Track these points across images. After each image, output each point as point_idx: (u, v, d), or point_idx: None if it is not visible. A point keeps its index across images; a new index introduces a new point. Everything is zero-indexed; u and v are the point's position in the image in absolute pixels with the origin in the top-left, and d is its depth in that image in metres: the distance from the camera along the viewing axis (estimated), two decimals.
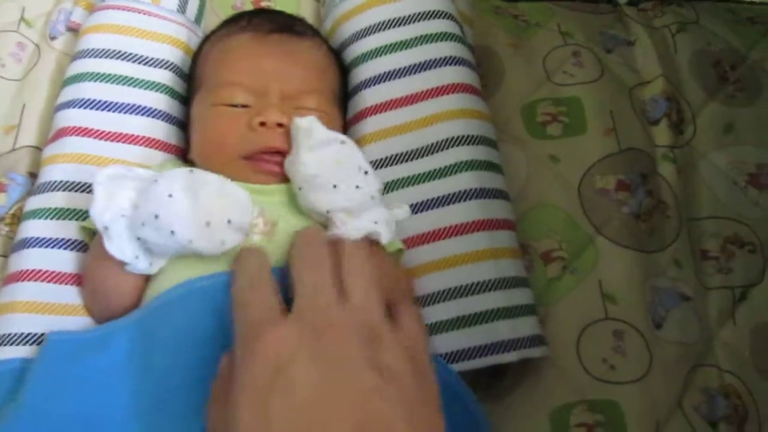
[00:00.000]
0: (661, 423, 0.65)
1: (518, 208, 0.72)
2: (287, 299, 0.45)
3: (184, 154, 0.72)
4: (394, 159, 0.69)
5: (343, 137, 0.61)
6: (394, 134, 0.70)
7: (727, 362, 0.70)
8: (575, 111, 0.80)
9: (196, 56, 0.74)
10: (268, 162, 0.64)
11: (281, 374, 0.37)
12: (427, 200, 0.66)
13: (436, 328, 0.62)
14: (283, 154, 0.63)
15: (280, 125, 0.63)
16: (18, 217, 0.69)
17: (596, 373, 0.66)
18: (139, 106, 0.71)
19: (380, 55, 0.73)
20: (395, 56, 0.72)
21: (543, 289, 0.70)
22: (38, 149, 0.76)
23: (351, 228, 0.58)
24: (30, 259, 0.63)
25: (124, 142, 0.69)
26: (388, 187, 0.68)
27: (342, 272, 0.44)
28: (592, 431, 0.64)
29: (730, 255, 0.76)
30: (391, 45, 0.73)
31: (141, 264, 0.57)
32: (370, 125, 0.71)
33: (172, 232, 0.53)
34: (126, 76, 0.72)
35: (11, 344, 0.60)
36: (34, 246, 0.64)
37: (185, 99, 0.75)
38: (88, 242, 0.64)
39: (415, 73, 0.71)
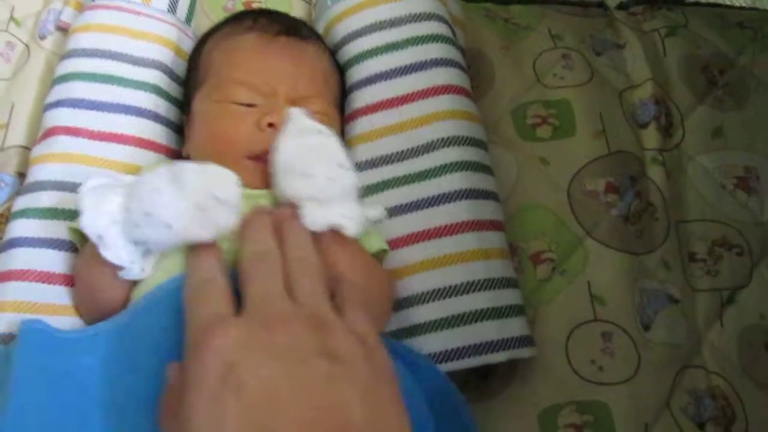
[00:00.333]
0: (649, 424, 0.65)
1: (508, 210, 0.72)
2: None
3: (174, 155, 0.72)
4: (385, 159, 0.69)
5: (325, 129, 0.61)
6: (385, 135, 0.70)
7: (714, 364, 0.70)
8: (565, 113, 0.80)
9: (198, 52, 0.74)
10: (265, 161, 0.63)
11: (232, 373, 0.36)
12: (417, 201, 0.66)
13: (424, 328, 0.62)
14: None
15: None
16: (6, 217, 0.69)
17: (585, 374, 0.67)
18: (129, 106, 0.71)
19: (371, 57, 0.73)
20: (386, 58, 0.72)
21: (532, 290, 0.70)
22: (27, 149, 0.75)
23: (317, 216, 0.58)
24: (18, 258, 0.63)
25: (113, 142, 0.69)
26: (378, 188, 0.68)
27: (288, 265, 0.44)
28: None
29: (718, 257, 0.76)
30: (381, 47, 0.73)
31: (135, 270, 0.57)
32: (361, 126, 0.71)
33: (168, 225, 0.53)
34: (115, 76, 0.71)
35: None
36: (22, 246, 0.63)
37: (175, 99, 0.75)
38: (77, 243, 0.64)
39: (405, 74, 0.71)
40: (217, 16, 0.85)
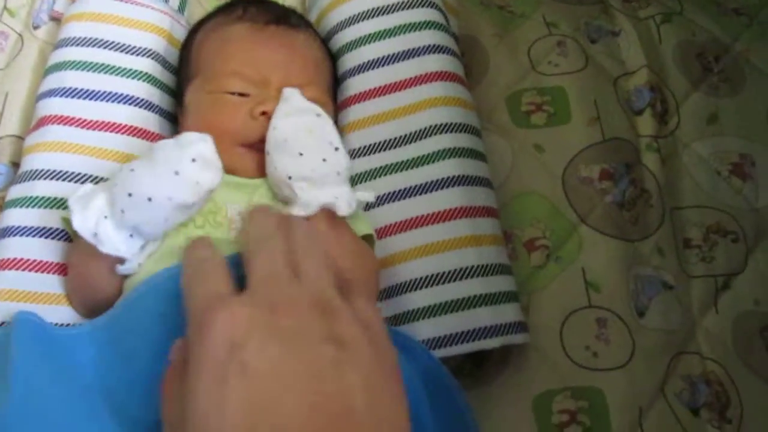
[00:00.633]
0: (644, 409, 0.65)
1: (502, 197, 0.73)
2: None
3: None
4: (378, 146, 0.69)
5: (320, 111, 0.63)
6: (378, 122, 0.70)
7: (709, 350, 0.70)
8: (560, 100, 0.80)
9: (189, 44, 0.74)
10: (261, 150, 0.64)
11: (235, 354, 0.35)
12: (410, 187, 0.67)
13: (418, 314, 0.62)
14: None
15: None
16: (0, 207, 0.69)
17: (579, 360, 0.67)
18: (122, 95, 0.71)
19: (364, 44, 0.73)
20: (379, 45, 0.72)
21: (526, 277, 0.70)
22: (21, 139, 0.75)
23: (309, 196, 0.58)
24: (11, 247, 0.63)
25: (106, 131, 0.69)
26: (371, 175, 0.68)
27: (294, 250, 0.44)
28: (575, 418, 0.64)
29: (713, 244, 0.76)
30: (375, 34, 0.73)
31: (133, 263, 0.57)
32: (354, 113, 0.71)
33: (149, 198, 0.53)
34: (108, 65, 0.71)
35: None
36: (16, 235, 0.64)
37: (168, 87, 0.75)
38: (71, 233, 0.64)
39: (398, 61, 0.71)
40: (211, 4, 0.85)
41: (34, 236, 0.63)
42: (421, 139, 0.68)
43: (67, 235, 0.64)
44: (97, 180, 0.66)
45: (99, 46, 0.72)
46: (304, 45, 0.72)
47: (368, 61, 0.72)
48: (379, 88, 0.71)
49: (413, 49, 0.71)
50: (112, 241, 0.56)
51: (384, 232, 0.66)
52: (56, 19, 0.82)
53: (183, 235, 0.59)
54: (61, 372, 0.54)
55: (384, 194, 0.67)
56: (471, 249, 0.64)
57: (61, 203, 0.65)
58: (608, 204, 0.74)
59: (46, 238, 0.64)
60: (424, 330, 0.62)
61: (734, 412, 0.67)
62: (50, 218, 0.64)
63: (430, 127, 0.68)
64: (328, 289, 0.41)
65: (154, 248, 0.59)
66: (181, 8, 0.81)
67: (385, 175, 0.68)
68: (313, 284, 0.41)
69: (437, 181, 0.66)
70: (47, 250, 0.63)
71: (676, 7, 0.92)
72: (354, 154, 0.69)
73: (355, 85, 0.72)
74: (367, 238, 0.66)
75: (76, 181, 0.66)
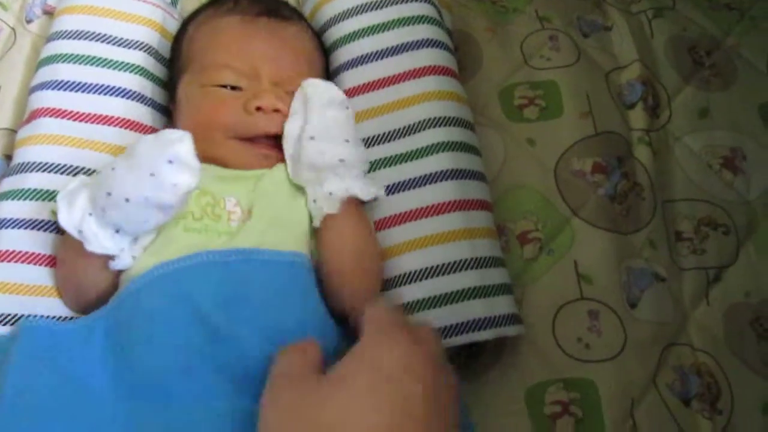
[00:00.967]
0: (636, 400, 0.65)
1: (495, 190, 0.73)
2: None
3: None
4: (372, 140, 0.69)
5: (348, 105, 0.66)
6: (372, 116, 0.70)
7: (700, 341, 0.71)
8: (552, 94, 0.81)
9: (181, 38, 0.74)
10: (265, 146, 0.66)
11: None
12: (404, 181, 0.67)
13: (412, 307, 0.63)
14: (278, 138, 0.65)
15: (276, 110, 0.65)
16: None
17: (571, 351, 0.67)
18: (114, 88, 0.71)
19: (358, 38, 0.73)
20: (373, 39, 0.72)
21: (519, 269, 0.71)
22: (14, 132, 0.75)
23: (339, 188, 0.61)
24: (3, 240, 0.63)
25: (98, 124, 0.69)
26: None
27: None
28: (568, 409, 0.64)
29: (704, 236, 0.77)
30: (368, 28, 0.73)
31: (125, 258, 0.57)
32: None
33: (126, 199, 0.53)
34: (101, 58, 0.71)
35: None
36: (8, 227, 0.63)
37: (161, 80, 0.75)
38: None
39: (392, 55, 0.71)
40: None
41: (26, 229, 0.63)
42: (414, 133, 0.68)
43: (59, 228, 0.64)
44: (90, 172, 0.66)
45: (91, 39, 0.72)
46: (296, 37, 0.72)
47: (362, 56, 0.72)
48: (373, 82, 0.71)
49: (407, 43, 0.71)
50: (98, 238, 0.56)
51: (378, 225, 0.66)
52: (49, 13, 0.82)
53: (181, 226, 0.59)
54: (64, 369, 0.54)
55: None
56: (465, 242, 0.64)
57: (53, 196, 0.65)
58: (600, 197, 0.75)
59: (38, 230, 0.63)
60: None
61: (725, 403, 0.68)
62: (42, 211, 0.64)
63: (424, 120, 0.68)
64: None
65: (150, 240, 0.59)
66: (174, 1, 0.81)
67: (379, 168, 0.68)
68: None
69: (431, 174, 0.66)
70: (39, 243, 0.63)
71: (667, 2, 0.92)
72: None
73: (348, 79, 0.72)
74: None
75: (68, 174, 0.66)
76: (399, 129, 0.69)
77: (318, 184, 0.62)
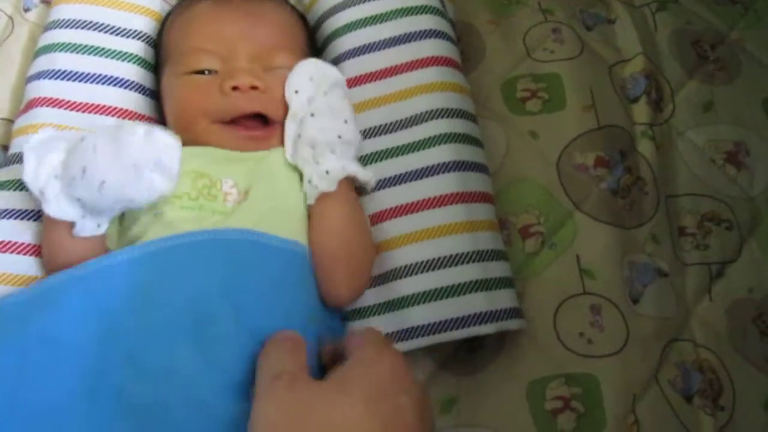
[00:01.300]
0: (638, 396, 0.65)
1: (497, 184, 0.72)
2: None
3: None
4: (373, 131, 0.69)
5: (344, 84, 0.67)
6: (373, 106, 0.69)
7: (702, 337, 0.70)
8: (555, 87, 0.80)
9: (161, 31, 0.73)
10: (248, 127, 0.64)
11: None
12: (405, 173, 0.66)
13: (412, 300, 0.62)
14: (262, 116, 0.64)
15: (254, 88, 0.64)
16: None
17: (573, 347, 0.66)
18: (112, 77, 0.70)
19: (360, 27, 0.72)
20: (375, 28, 0.72)
21: (521, 263, 0.70)
22: (11, 121, 0.74)
23: (337, 168, 0.61)
24: (2, 231, 0.62)
25: (96, 113, 0.69)
26: (367, 159, 0.68)
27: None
28: (569, 404, 0.64)
29: (707, 232, 0.76)
30: (371, 17, 0.72)
31: (88, 225, 0.57)
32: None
33: (102, 182, 0.53)
34: (98, 47, 0.71)
35: None
36: (6, 218, 0.63)
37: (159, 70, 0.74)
38: None
39: (394, 45, 0.71)
40: None
41: (23, 219, 0.63)
42: (417, 124, 0.67)
43: None
44: None
45: (89, 29, 0.71)
46: (271, 11, 0.70)
47: (364, 45, 0.71)
48: (375, 72, 0.70)
49: (410, 34, 0.71)
50: (59, 201, 0.55)
51: (379, 217, 0.66)
52: (47, 2, 0.81)
53: (177, 205, 0.59)
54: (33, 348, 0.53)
55: (379, 179, 0.67)
56: (466, 234, 0.63)
57: None
58: (603, 191, 0.74)
59: (33, 220, 0.63)
60: (418, 316, 0.61)
61: (727, 400, 0.67)
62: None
63: (427, 112, 0.67)
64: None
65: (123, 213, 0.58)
66: None
67: (380, 160, 0.67)
68: None
69: (433, 166, 0.66)
70: (35, 233, 0.62)
71: None
72: None
73: (350, 69, 0.71)
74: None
75: None
76: (401, 120, 0.68)
77: (315, 163, 0.62)
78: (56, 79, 0.69)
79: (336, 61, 0.73)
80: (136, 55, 0.72)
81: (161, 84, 0.70)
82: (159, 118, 0.72)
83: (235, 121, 0.64)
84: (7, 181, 0.64)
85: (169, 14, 0.74)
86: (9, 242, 0.62)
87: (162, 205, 0.58)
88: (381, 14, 0.72)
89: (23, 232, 0.62)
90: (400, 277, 0.63)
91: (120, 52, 0.71)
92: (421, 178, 0.66)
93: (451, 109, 0.68)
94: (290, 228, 0.60)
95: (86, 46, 0.70)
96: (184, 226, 0.57)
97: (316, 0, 0.77)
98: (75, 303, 0.53)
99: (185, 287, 0.53)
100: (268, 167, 0.63)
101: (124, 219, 0.61)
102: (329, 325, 0.62)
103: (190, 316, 0.52)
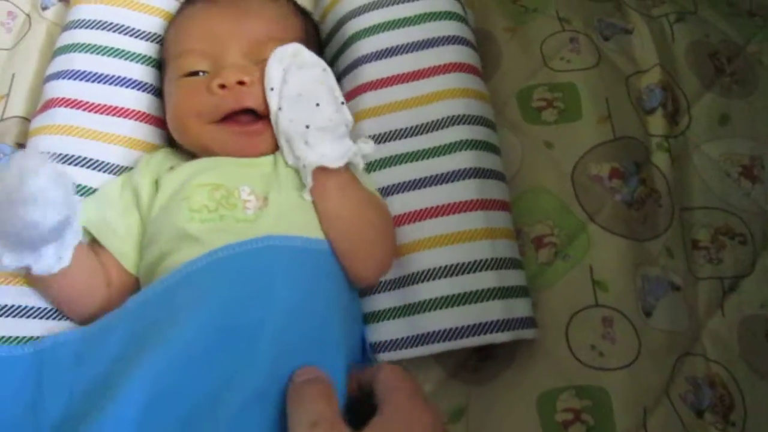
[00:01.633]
0: (648, 410, 0.65)
1: (512, 193, 0.72)
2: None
3: None
4: (392, 135, 0.68)
5: (324, 65, 0.63)
6: (393, 110, 0.69)
7: (714, 352, 0.70)
8: (571, 97, 0.80)
9: (162, 39, 0.73)
10: (241, 123, 0.64)
11: None
12: (425, 177, 0.66)
13: (429, 305, 0.62)
14: (254, 112, 0.63)
15: (241, 83, 0.63)
16: None
17: (585, 359, 0.66)
18: (130, 79, 0.70)
19: (383, 31, 0.72)
20: (398, 32, 0.72)
21: (534, 274, 0.70)
22: (27, 120, 0.75)
23: (325, 148, 0.59)
24: None
25: (113, 115, 0.69)
26: (386, 163, 0.68)
27: None
28: (579, 417, 0.64)
29: (721, 246, 0.76)
30: (394, 21, 0.72)
31: (44, 262, 0.54)
32: (368, 100, 0.70)
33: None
34: (117, 48, 0.71)
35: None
36: None
37: None
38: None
39: (417, 50, 0.71)
40: None
41: None
42: (437, 129, 0.67)
43: None
44: (103, 165, 0.66)
45: (108, 30, 0.72)
46: (259, 4, 0.69)
47: (386, 49, 0.71)
48: (397, 76, 0.70)
49: (433, 39, 0.71)
50: None
51: (397, 221, 0.66)
52: (65, 1, 0.81)
53: (197, 220, 0.59)
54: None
55: (398, 183, 0.67)
56: (485, 242, 0.63)
57: None
58: (617, 203, 0.74)
59: None
60: (434, 321, 0.62)
61: (738, 415, 0.67)
62: None
63: (447, 117, 0.67)
64: None
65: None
66: None
67: (400, 164, 0.67)
68: None
69: (453, 172, 0.66)
70: None
71: (689, 7, 0.91)
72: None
73: (369, 72, 0.71)
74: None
75: (81, 165, 0.66)
76: (422, 125, 0.68)
77: (296, 158, 0.61)
78: (74, 79, 0.69)
79: (357, 64, 0.72)
80: (155, 58, 0.72)
81: (163, 89, 0.70)
82: None
83: (228, 119, 0.64)
84: None
85: (170, 21, 0.74)
86: None
87: (181, 222, 0.58)
88: (404, 18, 0.72)
89: None
90: (418, 282, 0.63)
91: (138, 54, 0.71)
92: (441, 183, 0.66)
93: (472, 116, 0.68)
94: (315, 226, 0.61)
95: (105, 47, 0.71)
96: (209, 238, 0.57)
97: (338, 1, 0.76)
98: (117, 341, 0.54)
99: (216, 304, 0.53)
100: (281, 169, 0.63)
101: (143, 238, 0.62)
102: (355, 316, 0.64)
103: (222, 333, 0.52)
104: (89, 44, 0.71)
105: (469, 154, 0.66)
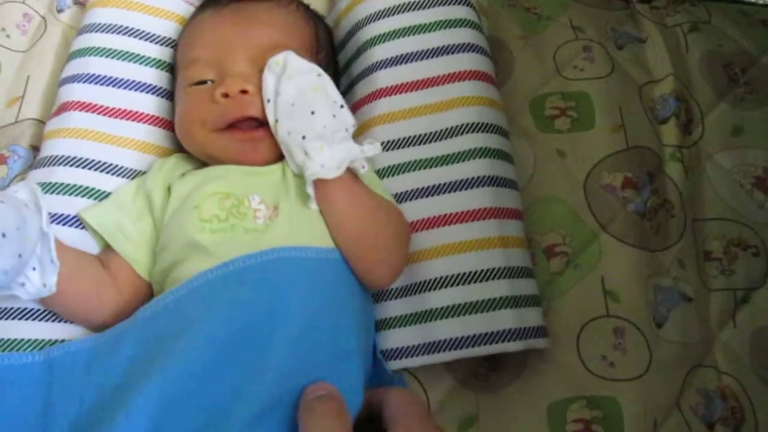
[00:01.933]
0: (659, 422, 0.64)
1: (524, 202, 0.71)
2: None
3: None
4: (406, 142, 0.68)
5: (319, 70, 0.62)
6: (407, 117, 0.69)
7: (725, 364, 0.70)
8: (584, 106, 0.80)
9: (175, 47, 0.74)
10: (244, 130, 0.64)
11: None
12: (438, 185, 0.66)
13: (441, 313, 0.62)
14: (257, 120, 0.63)
15: (244, 92, 0.63)
16: None
17: (595, 369, 0.66)
18: (145, 84, 0.70)
19: (397, 37, 0.72)
20: (413, 39, 0.72)
21: (545, 283, 0.70)
22: (41, 122, 0.75)
23: (324, 157, 0.58)
24: None
25: (128, 119, 0.69)
26: (399, 170, 0.68)
27: None
28: (590, 427, 0.63)
29: (733, 257, 0.75)
30: (409, 28, 0.72)
31: (30, 289, 0.54)
32: (382, 106, 0.70)
33: None
34: (132, 53, 0.71)
35: (4, 318, 0.60)
36: None
37: None
38: (87, 227, 0.64)
39: (432, 57, 0.71)
40: None
41: (51, 222, 0.62)
42: (451, 136, 0.67)
43: (83, 224, 0.64)
44: (117, 168, 0.66)
45: (123, 34, 0.72)
46: (266, 12, 0.69)
47: (400, 55, 0.71)
48: (411, 83, 0.70)
49: (447, 46, 0.71)
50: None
51: (410, 227, 0.65)
52: (80, 3, 0.82)
53: (207, 230, 0.59)
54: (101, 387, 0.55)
55: (411, 190, 0.67)
56: (498, 250, 0.63)
57: (79, 190, 0.65)
58: (630, 213, 0.74)
59: (63, 225, 0.63)
60: (445, 329, 0.61)
61: (749, 429, 0.67)
62: (69, 205, 0.64)
63: (462, 125, 0.67)
64: None
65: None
66: None
67: (413, 170, 0.67)
68: None
69: (467, 180, 0.65)
70: (65, 237, 0.62)
71: (704, 16, 0.91)
72: (382, 147, 0.67)
73: (384, 78, 0.71)
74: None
75: (95, 169, 0.66)
76: (435, 132, 0.68)
77: (298, 167, 0.61)
78: (89, 83, 0.69)
79: (371, 70, 0.72)
80: (169, 62, 0.72)
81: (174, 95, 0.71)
82: None
83: (231, 126, 0.64)
84: (40, 183, 0.64)
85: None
86: None
87: (191, 232, 0.59)
88: (419, 25, 0.72)
89: (59, 233, 0.62)
90: (430, 290, 0.63)
91: (153, 59, 0.72)
92: (455, 191, 0.65)
93: (487, 124, 0.68)
94: (326, 234, 0.60)
95: (120, 51, 0.71)
96: (220, 249, 0.57)
97: (353, 7, 0.76)
98: (127, 352, 0.54)
99: (226, 317, 0.53)
100: (290, 177, 0.62)
101: (157, 243, 0.62)
102: (369, 323, 0.63)
103: (231, 346, 0.52)
104: (104, 48, 0.71)
105: (483, 162, 0.66)
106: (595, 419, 0.64)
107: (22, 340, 0.59)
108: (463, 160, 0.66)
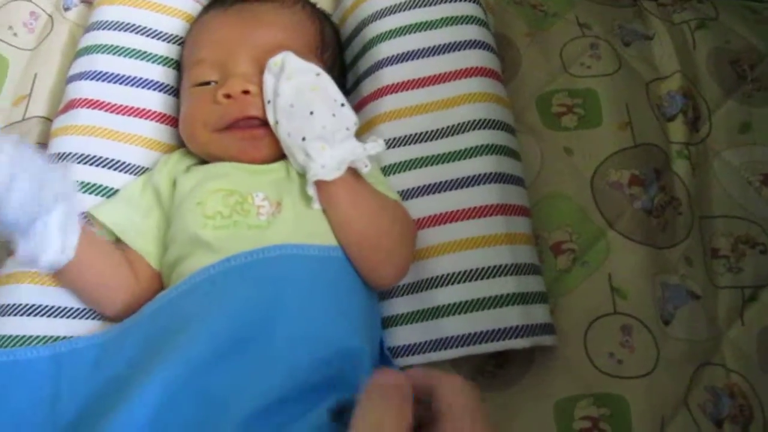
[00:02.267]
0: (666, 419, 0.64)
1: (531, 199, 0.71)
2: None
3: None
4: (412, 138, 0.68)
5: (318, 70, 0.62)
6: (414, 113, 0.69)
7: (733, 362, 0.69)
8: (591, 103, 0.79)
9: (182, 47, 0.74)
10: (245, 129, 0.64)
11: None
12: (445, 181, 0.66)
13: (447, 310, 0.62)
14: (258, 120, 0.63)
15: (246, 92, 0.63)
16: None
17: (603, 367, 0.66)
18: (152, 81, 0.71)
19: (404, 34, 0.72)
20: (419, 36, 0.72)
21: (552, 280, 0.70)
22: (48, 120, 0.75)
23: (326, 157, 0.58)
24: None
25: (135, 117, 0.69)
26: (406, 166, 0.68)
27: None
28: (597, 425, 0.63)
29: (741, 255, 0.75)
30: (415, 24, 0.72)
31: (47, 257, 0.54)
32: (388, 103, 0.70)
33: None
34: (139, 50, 0.71)
35: (15, 314, 0.60)
36: None
37: None
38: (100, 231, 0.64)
39: (438, 53, 0.71)
40: None
41: None
42: (458, 133, 0.67)
43: (91, 221, 0.64)
44: (124, 165, 0.67)
45: (130, 31, 0.72)
46: (270, 12, 0.69)
47: (407, 52, 0.71)
48: (417, 79, 0.70)
49: (454, 43, 0.71)
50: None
51: (416, 225, 0.66)
52: (87, 2, 0.82)
53: (210, 226, 0.59)
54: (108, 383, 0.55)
55: (418, 187, 0.67)
56: (505, 247, 0.63)
57: (87, 187, 0.65)
58: (637, 210, 0.74)
59: None
60: (452, 326, 0.61)
61: (757, 427, 0.66)
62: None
63: (469, 122, 0.67)
64: None
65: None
66: None
67: (420, 167, 0.67)
68: None
69: (474, 176, 0.65)
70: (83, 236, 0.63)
71: (711, 13, 0.90)
72: (388, 144, 0.68)
73: (390, 75, 0.71)
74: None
75: (103, 166, 0.66)
76: (442, 128, 0.68)
77: (300, 167, 0.61)
78: (96, 80, 0.69)
79: (377, 67, 0.72)
80: (176, 60, 0.72)
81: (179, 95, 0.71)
82: None
83: (233, 126, 0.64)
84: None
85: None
86: None
87: (195, 227, 0.59)
88: (425, 22, 0.72)
89: None
90: (436, 287, 0.63)
91: (160, 56, 0.72)
92: (462, 187, 0.65)
93: (493, 121, 0.68)
94: (330, 232, 0.60)
95: (127, 48, 0.71)
96: (223, 245, 0.57)
97: (359, 4, 0.76)
98: (132, 346, 0.55)
99: (228, 312, 0.54)
100: (294, 175, 0.63)
101: (166, 235, 0.63)
102: (375, 320, 0.63)
103: (233, 342, 0.52)
104: (112, 45, 0.71)
105: (490, 159, 0.66)
106: (603, 417, 0.64)
107: (31, 336, 0.59)
108: (470, 157, 0.66)
